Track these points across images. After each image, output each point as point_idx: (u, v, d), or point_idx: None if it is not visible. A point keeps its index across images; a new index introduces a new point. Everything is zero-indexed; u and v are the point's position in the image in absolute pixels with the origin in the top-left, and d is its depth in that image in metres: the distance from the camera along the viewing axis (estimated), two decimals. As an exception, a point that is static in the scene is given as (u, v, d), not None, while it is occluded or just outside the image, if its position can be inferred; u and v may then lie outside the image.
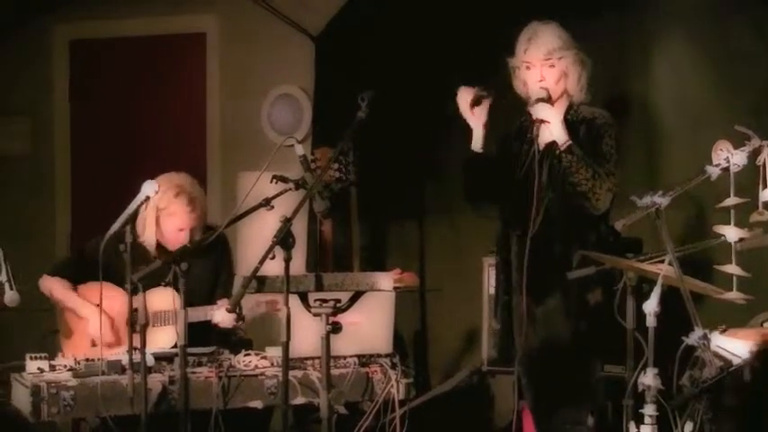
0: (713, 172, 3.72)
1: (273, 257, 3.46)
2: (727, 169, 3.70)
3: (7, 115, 7.05)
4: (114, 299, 4.44)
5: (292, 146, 3.96)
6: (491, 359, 5.41)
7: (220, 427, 4.09)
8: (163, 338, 4.52)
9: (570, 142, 4.14)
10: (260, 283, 3.53)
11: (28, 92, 7.02)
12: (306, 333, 3.69)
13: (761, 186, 3.74)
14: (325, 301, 3.56)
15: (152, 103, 6.90)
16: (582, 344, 4.19)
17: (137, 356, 3.96)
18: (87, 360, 4.16)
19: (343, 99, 4.24)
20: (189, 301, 3.94)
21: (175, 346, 4.08)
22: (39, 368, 4.14)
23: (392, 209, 6.15)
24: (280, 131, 6.51)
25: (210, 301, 4.68)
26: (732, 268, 3.72)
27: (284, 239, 3.47)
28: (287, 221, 3.49)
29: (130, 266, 4.02)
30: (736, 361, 3.57)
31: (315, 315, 3.56)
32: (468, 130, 4.27)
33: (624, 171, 4.97)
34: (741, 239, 3.73)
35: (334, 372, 4.12)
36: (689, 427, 3.57)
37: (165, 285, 4.53)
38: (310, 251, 5.97)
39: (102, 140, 6.97)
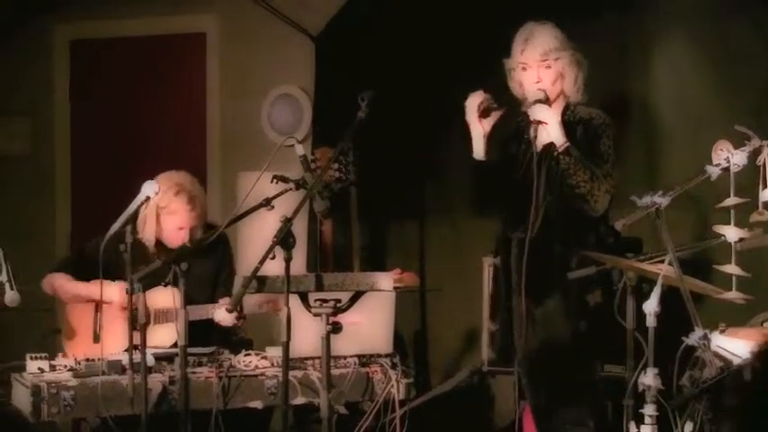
0: (713, 172, 3.73)
1: (274, 257, 3.47)
2: (727, 169, 3.70)
3: (7, 115, 7.05)
4: (116, 293, 4.44)
5: (292, 146, 3.96)
6: (491, 359, 5.41)
7: (220, 428, 4.09)
8: (163, 336, 4.53)
9: (568, 144, 4.14)
10: (260, 282, 3.53)
11: (28, 92, 7.02)
12: (306, 333, 3.69)
13: (761, 186, 3.75)
14: (325, 301, 3.56)
15: (152, 103, 6.90)
16: (581, 344, 4.19)
17: (137, 356, 3.97)
18: (87, 360, 4.16)
19: (344, 99, 4.23)
20: (190, 301, 3.94)
21: (175, 344, 4.08)
22: (39, 368, 4.14)
23: (392, 209, 6.15)
24: (280, 131, 6.51)
25: (212, 300, 4.67)
26: (731, 268, 3.72)
27: (284, 239, 3.47)
28: (287, 221, 3.49)
29: (130, 266, 4.02)
30: (736, 361, 3.57)
31: (315, 315, 3.56)
32: (468, 132, 4.27)
33: (624, 171, 4.98)
34: (741, 239, 3.73)
35: (335, 372, 4.12)
36: (689, 427, 3.58)
37: (166, 285, 4.53)
38: (310, 251, 5.97)
39: (102, 140, 6.97)
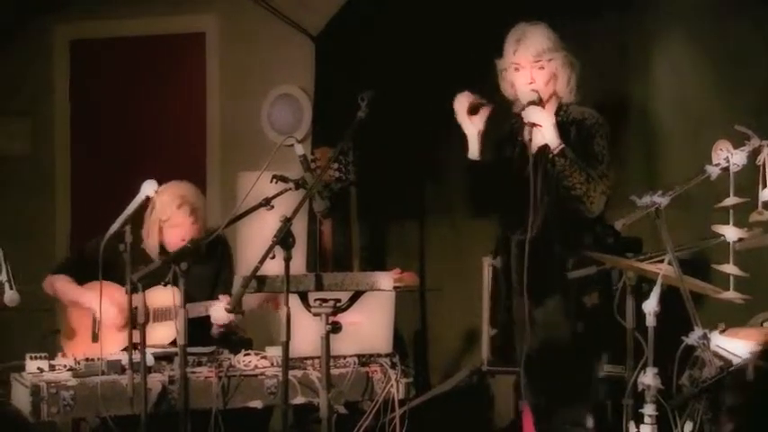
0: (713, 172, 3.72)
1: (273, 257, 3.47)
2: (726, 169, 3.70)
3: (7, 115, 7.04)
4: (115, 298, 4.45)
5: (292, 146, 3.96)
6: (490, 359, 5.41)
7: (220, 427, 4.10)
8: (162, 334, 4.53)
9: (563, 146, 4.12)
10: (260, 282, 3.53)
11: (28, 92, 7.02)
12: (306, 333, 3.69)
13: (760, 186, 3.75)
14: (325, 300, 3.56)
15: (152, 103, 6.90)
16: (581, 344, 4.19)
17: (136, 356, 3.97)
18: (87, 360, 4.16)
19: (343, 99, 4.24)
20: (189, 302, 3.94)
21: (174, 342, 4.08)
22: (38, 368, 4.14)
23: (392, 209, 6.14)
24: (280, 131, 6.51)
25: (211, 302, 4.69)
26: (730, 268, 3.72)
27: (284, 239, 3.47)
28: (287, 221, 3.49)
29: (130, 266, 4.03)
30: (735, 361, 3.57)
31: (315, 315, 3.56)
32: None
33: (624, 171, 4.99)
34: (740, 239, 3.73)
35: (334, 371, 4.12)
36: (688, 426, 3.57)
37: (165, 285, 4.53)
38: (310, 251, 5.97)
39: (102, 140, 6.97)
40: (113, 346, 4.40)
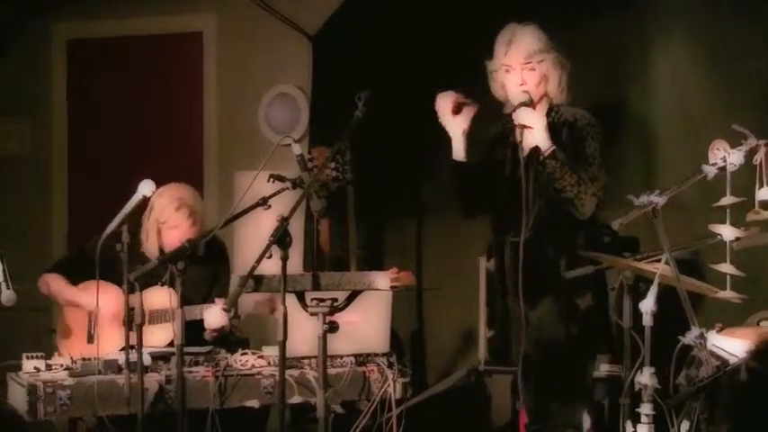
0: (710, 171, 3.73)
1: (270, 256, 3.47)
2: (723, 168, 3.70)
3: (6, 115, 7.04)
4: (111, 299, 4.45)
5: (289, 145, 3.96)
6: (487, 359, 5.41)
7: (217, 427, 4.09)
8: (159, 336, 4.53)
9: (554, 148, 4.11)
10: (257, 282, 3.53)
11: (26, 92, 7.02)
12: (303, 332, 3.69)
13: (757, 186, 3.75)
14: (322, 300, 3.56)
15: (149, 103, 6.89)
16: (575, 345, 4.18)
17: (133, 356, 3.96)
18: (84, 359, 4.15)
19: (341, 98, 4.23)
20: (186, 304, 3.93)
21: (171, 344, 4.07)
22: (35, 367, 4.13)
23: (389, 208, 6.14)
24: (277, 131, 6.51)
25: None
26: (726, 267, 3.72)
27: (281, 238, 3.47)
28: (284, 221, 3.49)
29: (127, 266, 4.02)
30: (732, 360, 3.57)
31: (312, 314, 3.56)
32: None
33: (622, 170, 4.98)
34: (737, 238, 3.73)
35: (331, 371, 4.11)
36: (685, 426, 3.58)
37: (162, 285, 4.52)
38: (307, 250, 5.96)
39: (99, 140, 6.97)
40: (109, 345, 4.40)
